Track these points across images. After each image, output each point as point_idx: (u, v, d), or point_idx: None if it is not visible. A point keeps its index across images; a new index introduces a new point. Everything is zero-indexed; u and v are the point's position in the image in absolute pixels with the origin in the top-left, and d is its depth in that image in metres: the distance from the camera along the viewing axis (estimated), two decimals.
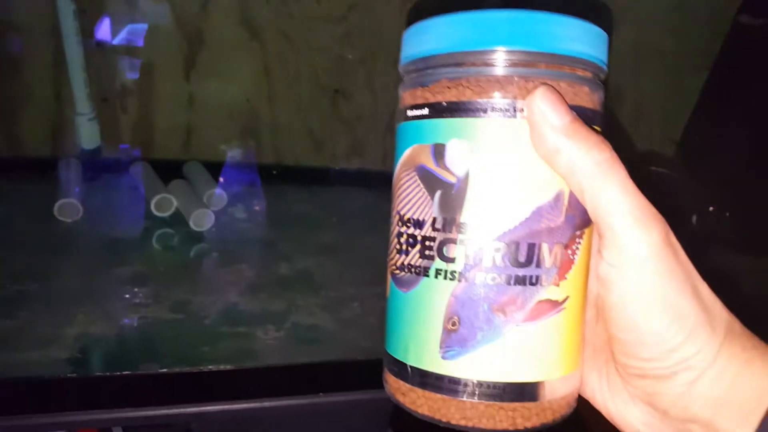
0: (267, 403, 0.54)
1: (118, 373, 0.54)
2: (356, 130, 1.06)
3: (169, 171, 0.93)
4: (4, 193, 0.85)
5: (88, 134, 0.97)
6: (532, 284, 0.26)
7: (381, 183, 1.01)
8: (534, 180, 0.26)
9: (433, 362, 0.27)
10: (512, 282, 0.26)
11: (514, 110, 0.26)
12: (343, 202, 0.97)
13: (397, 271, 0.29)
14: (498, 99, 0.26)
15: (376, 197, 0.98)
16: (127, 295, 0.68)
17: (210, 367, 0.57)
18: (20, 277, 0.68)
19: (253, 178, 0.97)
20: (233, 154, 1.03)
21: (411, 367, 0.28)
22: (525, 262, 0.26)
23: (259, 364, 0.60)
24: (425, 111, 0.28)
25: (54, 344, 0.59)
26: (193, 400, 0.53)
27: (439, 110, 0.27)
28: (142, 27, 0.95)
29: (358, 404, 0.56)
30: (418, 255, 0.28)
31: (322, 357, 0.61)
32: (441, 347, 0.27)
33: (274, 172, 0.99)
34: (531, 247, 0.26)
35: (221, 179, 0.90)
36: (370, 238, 0.85)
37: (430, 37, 0.28)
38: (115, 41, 0.94)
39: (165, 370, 0.56)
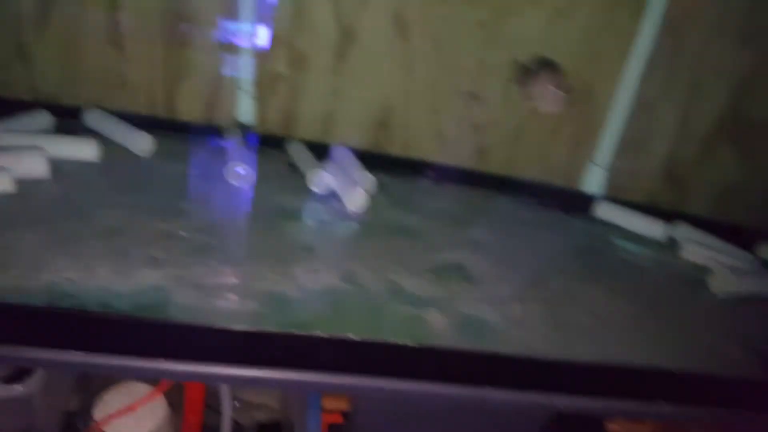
0: (430, 386, 0.58)
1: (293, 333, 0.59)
2: (484, 134, 1.10)
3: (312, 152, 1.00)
4: (166, 149, 0.92)
5: (246, 110, 1.04)
6: None
7: (505, 188, 1.06)
8: None
9: None
10: None
11: None
12: (472, 200, 1.01)
13: None
14: None
15: (504, 200, 1.02)
16: (299, 260, 0.73)
17: (386, 340, 0.61)
18: (205, 230, 0.75)
19: (387, 167, 1.02)
20: (363, 142, 1.09)
21: None
22: None
23: (428, 344, 0.63)
24: None
25: (240, 296, 0.65)
26: (354, 370, 0.57)
27: None
28: (303, 19, 1.01)
29: (517, 403, 0.59)
30: None
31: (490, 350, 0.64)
32: None
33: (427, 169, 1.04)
34: None
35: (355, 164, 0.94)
36: (512, 239, 0.89)
37: None
38: (277, 30, 1.01)
39: (345, 336, 0.61)
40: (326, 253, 0.76)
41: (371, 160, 0.99)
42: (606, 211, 1.02)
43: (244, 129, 1.03)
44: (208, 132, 1.05)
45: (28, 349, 0.54)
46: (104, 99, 1.04)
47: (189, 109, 1.07)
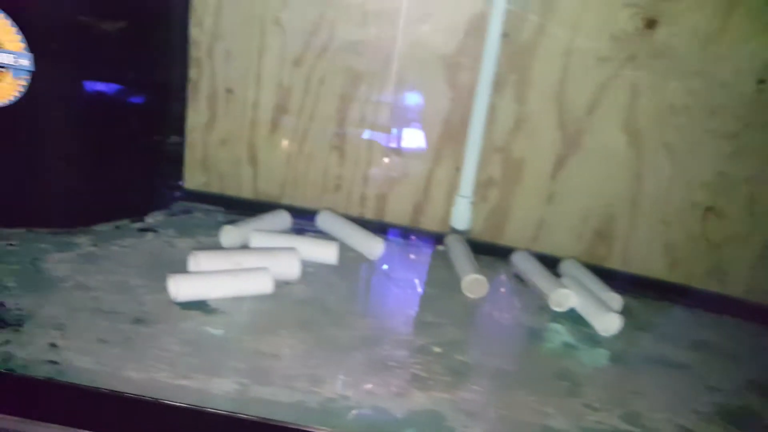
0: None
1: None
2: (722, 252, 0.99)
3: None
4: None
5: (462, 216, 1.01)
6: None
7: (745, 313, 0.93)
8: None
9: None
10: None
11: None
12: (725, 328, 0.89)
13: None
14: None
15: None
16: (566, 392, 0.65)
17: None
18: (456, 346, 0.69)
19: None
20: (576, 252, 1.02)
21: None
22: None
23: None
24: None
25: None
26: None
27: None
28: (525, 125, 0.99)
29: None
30: None
31: None
32: None
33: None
34: None
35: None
36: None
37: None
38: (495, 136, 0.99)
39: None
40: (593, 385, 0.67)
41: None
42: None
43: (458, 234, 1.00)
44: (417, 235, 1.03)
45: None
46: (319, 200, 1.06)
47: (397, 213, 1.06)
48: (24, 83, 0.76)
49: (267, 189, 1.08)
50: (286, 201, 1.07)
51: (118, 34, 0.79)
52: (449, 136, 1.01)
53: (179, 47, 0.95)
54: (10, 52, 0.75)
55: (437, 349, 0.69)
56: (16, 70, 0.76)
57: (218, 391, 0.57)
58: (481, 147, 0.98)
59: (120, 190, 0.87)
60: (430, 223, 1.06)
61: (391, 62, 0.98)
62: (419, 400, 0.61)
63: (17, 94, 0.76)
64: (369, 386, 0.61)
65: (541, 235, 1.05)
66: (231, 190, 1.08)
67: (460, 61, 0.97)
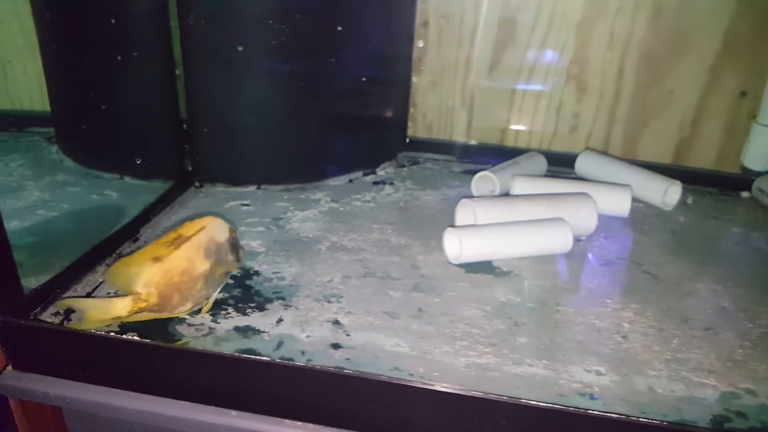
0: None
1: None
2: None
3: None
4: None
5: (763, 151, 0.78)
6: None
7: None
8: None
9: None
10: None
11: None
12: None
13: None
14: None
15: None
16: None
17: None
18: None
19: None
20: None
21: None
22: None
23: None
24: None
25: None
26: None
27: None
28: None
29: None
30: None
31: None
32: None
33: None
34: None
35: None
36: None
37: None
38: None
39: None
40: None
41: None
42: None
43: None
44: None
45: None
46: (549, 143, 0.88)
47: (653, 151, 0.85)
48: None
49: (484, 134, 0.91)
50: (508, 145, 0.90)
51: None
52: (731, 51, 0.78)
53: None
54: None
55: None
56: None
57: (575, 384, 0.41)
58: None
59: (352, 139, 0.74)
60: (698, 162, 0.84)
61: None
62: None
63: None
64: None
65: None
66: (442, 136, 0.92)
67: None
